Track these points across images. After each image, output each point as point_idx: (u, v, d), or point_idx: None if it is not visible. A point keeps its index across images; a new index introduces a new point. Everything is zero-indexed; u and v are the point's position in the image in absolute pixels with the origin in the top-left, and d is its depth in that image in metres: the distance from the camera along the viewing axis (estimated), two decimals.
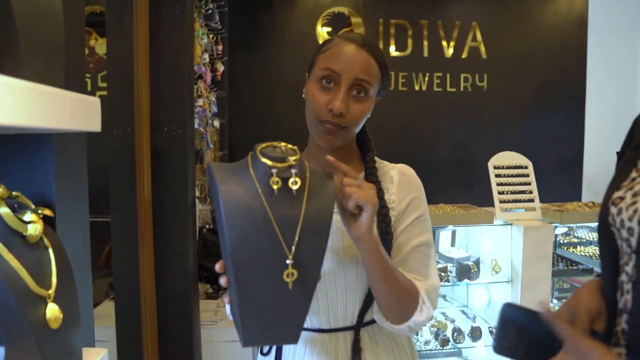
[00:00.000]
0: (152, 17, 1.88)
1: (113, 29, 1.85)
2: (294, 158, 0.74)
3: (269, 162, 0.74)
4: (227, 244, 0.72)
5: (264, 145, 0.78)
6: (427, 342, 2.14)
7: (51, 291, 0.76)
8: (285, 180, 0.73)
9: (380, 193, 0.92)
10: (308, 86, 0.95)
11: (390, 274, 0.85)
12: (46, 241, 0.80)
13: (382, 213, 0.93)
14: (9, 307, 0.70)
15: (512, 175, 2.14)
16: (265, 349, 1.07)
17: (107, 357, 0.89)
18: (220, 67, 2.84)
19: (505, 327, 0.76)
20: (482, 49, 3.91)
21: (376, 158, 1.00)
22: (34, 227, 0.76)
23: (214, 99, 2.67)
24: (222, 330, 2.13)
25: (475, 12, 3.90)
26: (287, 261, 0.70)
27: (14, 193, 0.79)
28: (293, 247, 0.71)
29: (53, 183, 0.92)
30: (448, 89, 3.87)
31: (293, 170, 0.74)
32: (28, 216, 0.76)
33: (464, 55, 3.90)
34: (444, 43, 3.87)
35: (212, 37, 2.69)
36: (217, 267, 0.78)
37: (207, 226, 2.57)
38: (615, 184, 0.77)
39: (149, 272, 1.90)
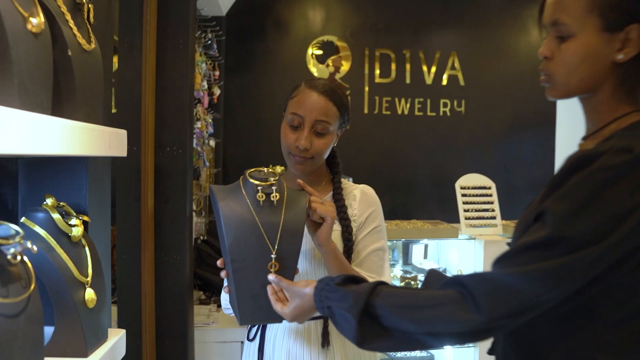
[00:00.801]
0: (159, 49, 2.12)
1: (124, 59, 2.10)
2: (274, 179, 1.00)
3: (256, 182, 0.99)
4: (226, 245, 0.96)
5: (251, 170, 1.04)
6: None
7: (88, 279, 1.00)
8: (268, 195, 0.99)
9: (344, 208, 1.17)
10: (282, 125, 1.21)
11: (345, 272, 1.09)
12: (83, 241, 1.04)
13: (346, 224, 1.17)
14: (61, 289, 0.94)
15: (476, 195, 2.40)
16: (252, 335, 1.29)
17: (124, 337, 1.13)
18: (217, 91, 3.09)
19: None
20: (461, 76, 4.20)
21: (343, 179, 1.25)
22: (77, 230, 1.01)
23: (210, 120, 2.92)
24: (214, 332, 2.34)
25: (454, 43, 4.20)
26: (272, 255, 0.94)
27: (60, 203, 1.04)
28: (276, 245, 0.95)
29: (87, 196, 1.16)
30: (428, 113, 4.15)
31: (273, 187, 0.99)
32: (73, 221, 1.01)
33: (444, 83, 4.19)
34: (425, 71, 4.16)
35: (210, 64, 2.95)
36: (219, 263, 1.02)
37: (201, 237, 2.79)
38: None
39: (150, 277, 2.11)
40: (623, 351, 0.75)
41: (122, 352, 1.13)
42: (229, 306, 1.27)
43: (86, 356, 0.97)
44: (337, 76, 4.03)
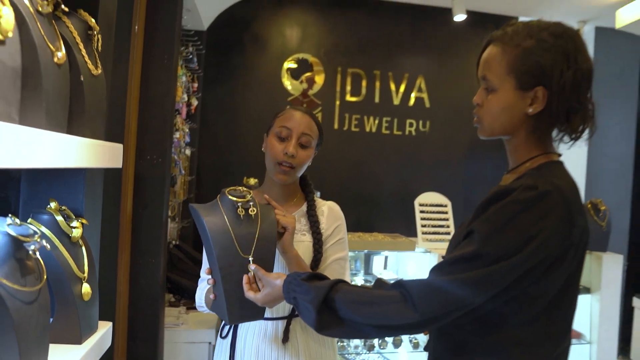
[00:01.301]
0: (144, 63, 2.25)
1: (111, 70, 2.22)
2: (250, 196, 1.17)
3: (235, 199, 1.16)
4: (214, 255, 1.12)
5: (228, 189, 1.21)
6: (356, 347, 2.54)
7: (85, 275, 1.14)
8: (246, 210, 1.15)
9: (317, 223, 1.34)
10: (267, 140, 1.36)
11: None
12: (81, 241, 1.18)
13: (317, 237, 1.34)
14: (63, 283, 1.07)
15: (433, 212, 2.61)
16: (224, 333, 1.44)
17: (111, 330, 1.26)
18: (195, 102, 3.22)
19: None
20: (426, 98, 4.45)
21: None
22: (77, 231, 1.15)
23: (187, 130, 3.04)
24: (183, 333, 2.45)
25: (422, 67, 4.45)
26: (250, 258, 1.10)
27: (62, 207, 1.17)
28: (252, 251, 1.12)
29: (83, 201, 1.30)
30: (395, 132, 4.38)
31: (251, 203, 1.16)
32: (74, 223, 1.14)
33: (410, 103, 4.42)
34: (394, 91, 4.39)
35: (189, 76, 3.08)
36: (205, 272, 1.17)
37: (173, 242, 2.90)
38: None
39: (125, 278, 2.22)
40: (531, 346, 0.94)
41: (109, 342, 1.26)
42: (204, 304, 1.41)
43: (80, 343, 1.10)
44: (310, 92, 4.21)
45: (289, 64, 4.17)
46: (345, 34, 4.30)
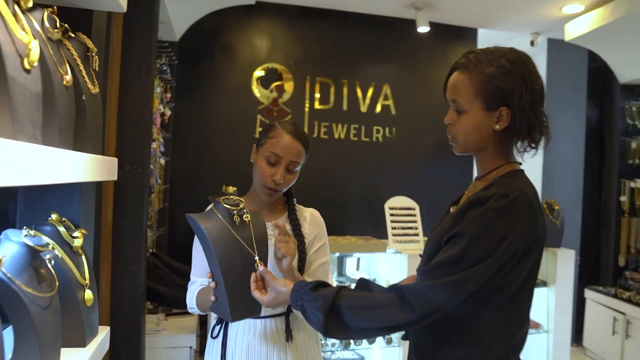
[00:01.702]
0: (122, 76, 2.31)
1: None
2: (242, 205, 1.27)
3: (231, 207, 1.26)
4: (216, 259, 1.21)
5: (222, 197, 1.30)
6: (333, 344, 2.65)
7: (87, 282, 1.21)
8: (241, 217, 1.25)
9: (298, 227, 1.45)
10: (258, 158, 1.45)
11: None
12: (80, 250, 1.25)
13: (300, 240, 1.45)
14: (68, 290, 1.15)
15: (403, 215, 2.76)
16: (215, 333, 1.52)
17: (109, 333, 1.33)
18: (168, 112, 3.27)
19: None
20: (392, 106, 4.61)
21: (296, 204, 1.53)
22: (78, 241, 1.22)
23: (161, 140, 3.09)
24: (164, 338, 2.50)
25: (388, 76, 4.62)
26: (256, 257, 1.21)
27: (62, 218, 1.25)
28: (255, 251, 1.22)
29: (79, 212, 1.36)
30: (362, 138, 4.53)
31: (244, 210, 1.26)
32: (76, 233, 1.21)
33: (377, 111, 4.58)
34: (361, 99, 4.54)
35: (162, 86, 3.13)
36: (207, 275, 1.25)
37: (150, 250, 2.94)
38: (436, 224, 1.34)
39: (106, 286, 2.26)
40: (501, 329, 1.09)
41: (107, 345, 1.33)
42: (195, 306, 1.49)
43: (85, 346, 1.17)
44: (280, 101, 4.31)
45: (259, 72, 4.27)
46: (314, 44, 4.42)
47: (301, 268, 1.44)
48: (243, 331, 1.45)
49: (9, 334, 0.93)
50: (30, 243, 0.94)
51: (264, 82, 4.28)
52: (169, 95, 3.23)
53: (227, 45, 4.19)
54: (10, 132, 0.71)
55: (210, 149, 4.08)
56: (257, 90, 4.25)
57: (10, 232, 0.95)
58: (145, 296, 2.48)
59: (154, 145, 2.71)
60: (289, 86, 4.33)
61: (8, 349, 0.89)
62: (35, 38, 0.80)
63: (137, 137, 2.33)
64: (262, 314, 1.45)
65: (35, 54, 0.79)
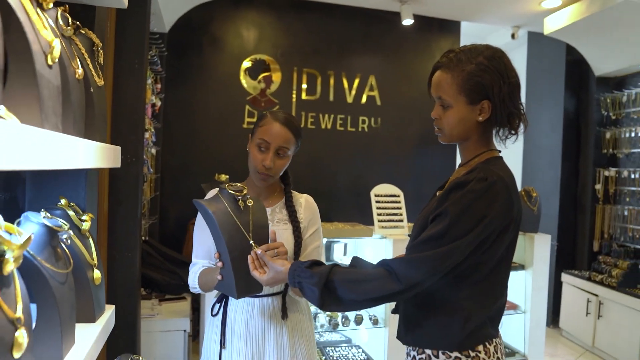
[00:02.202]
0: (116, 68, 2.36)
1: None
2: (245, 191, 1.36)
3: (235, 193, 1.35)
4: (223, 241, 1.30)
5: (227, 184, 1.39)
6: (322, 325, 2.77)
7: (95, 262, 1.30)
8: (244, 202, 1.35)
9: (294, 213, 1.54)
10: (251, 146, 1.54)
11: None
12: (88, 233, 1.33)
13: (296, 225, 1.53)
14: (80, 270, 1.23)
15: (388, 202, 2.87)
16: (215, 311, 1.61)
17: (114, 311, 1.42)
18: (158, 103, 3.32)
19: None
20: (378, 96, 4.72)
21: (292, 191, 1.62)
22: (86, 224, 1.31)
23: (153, 130, 3.15)
24: (159, 322, 2.59)
25: (373, 67, 4.72)
26: (250, 242, 1.30)
27: (71, 203, 1.33)
28: (251, 234, 1.32)
29: (85, 197, 1.44)
30: (349, 128, 4.63)
31: (248, 196, 1.36)
32: (84, 217, 1.30)
33: (363, 101, 4.69)
34: (347, 90, 4.64)
35: (153, 77, 3.18)
36: (215, 255, 1.34)
37: (143, 238, 3.02)
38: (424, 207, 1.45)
39: (103, 272, 2.33)
40: (480, 300, 1.21)
41: (113, 322, 1.42)
42: (197, 286, 1.58)
43: (94, 321, 1.26)
44: (268, 92, 4.39)
45: (247, 63, 4.33)
46: (300, 35, 4.49)
47: (297, 252, 1.52)
48: (242, 309, 1.54)
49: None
50: (49, 224, 1.02)
51: (252, 73, 4.34)
52: (159, 86, 3.28)
53: (216, 37, 4.24)
54: (39, 121, 0.79)
55: (199, 138, 4.15)
56: (245, 81, 4.32)
57: (30, 214, 1.03)
58: (140, 282, 2.56)
59: (146, 135, 2.78)
60: (276, 77, 4.40)
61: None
62: (56, 37, 0.88)
63: (132, 127, 2.39)
64: (262, 293, 1.55)
65: (57, 51, 0.87)
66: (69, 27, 1.07)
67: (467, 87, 1.20)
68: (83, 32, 1.21)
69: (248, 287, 1.34)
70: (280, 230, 1.53)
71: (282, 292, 1.55)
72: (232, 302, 1.56)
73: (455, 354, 1.19)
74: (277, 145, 1.49)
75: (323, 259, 1.59)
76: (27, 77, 0.78)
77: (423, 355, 1.23)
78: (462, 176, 1.21)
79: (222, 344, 1.54)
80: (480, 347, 1.20)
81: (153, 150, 3.21)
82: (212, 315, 1.59)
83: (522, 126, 1.28)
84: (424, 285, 1.15)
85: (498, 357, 1.23)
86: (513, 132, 1.27)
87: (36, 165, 0.71)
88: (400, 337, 1.31)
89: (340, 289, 1.17)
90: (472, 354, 1.19)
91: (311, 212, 1.60)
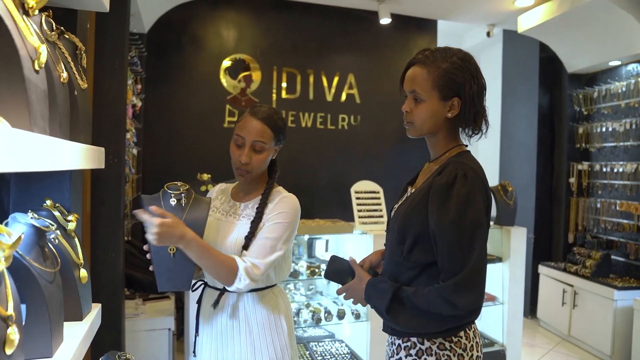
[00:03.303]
0: (96, 69, 2.37)
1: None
2: (182, 189, 1.45)
3: (170, 192, 1.42)
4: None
5: (167, 184, 1.47)
6: (305, 321, 2.82)
7: (81, 261, 1.32)
8: (178, 200, 1.42)
9: (262, 205, 1.50)
10: (230, 143, 1.57)
11: (204, 259, 1.38)
12: (73, 233, 1.36)
13: (258, 216, 1.49)
14: (67, 269, 1.26)
15: (368, 198, 2.93)
16: (197, 299, 1.63)
17: (101, 310, 1.45)
18: (139, 103, 3.32)
19: (331, 265, 1.45)
20: (357, 94, 4.79)
21: (280, 188, 1.60)
22: (72, 224, 1.33)
23: (134, 130, 3.15)
24: (143, 322, 2.61)
25: (352, 66, 4.78)
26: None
27: (56, 204, 1.35)
28: None
29: (69, 198, 1.46)
30: (329, 126, 4.68)
31: (183, 195, 1.44)
32: (70, 217, 1.32)
33: (342, 99, 4.74)
34: (326, 88, 4.69)
35: (133, 78, 3.18)
36: (145, 247, 1.39)
37: (125, 238, 3.02)
38: (396, 200, 1.50)
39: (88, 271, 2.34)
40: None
41: (99, 321, 1.45)
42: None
43: (82, 319, 1.29)
44: (248, 91, 4.41)
45: (227, 63, 4.34)
46: (280, 34, 4.52)
47: (247, 243, 1.48)
48: (207, 300, 1.59)
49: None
50: (36, 224, 1.05)
51: (232, 72, 4.36)
52: (139, 86, 3.28)
53: (195, 37, 4.25)
54: (28, 125, 0.82)
55: (180, 138, 4.15)
56: (225, 81, 4.33)
57: (17, 215, 1.06)
58: (124, 282, 2.57)
59: (127, 135, 2.78)
60: (256, 76, 4.42)
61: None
62: (42, 42, 0.91)
63: (113, 128, 2.40)
64: (220, 287, 1.53)
65: (44, 57, 0.90)
66: (53, 32, 1.10)
67: (441, 83, 1.26)
68: (67, 36, 1.23)
69: (170, 282, 1.42)
70: (240, 224, 1.52)
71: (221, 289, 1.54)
72: (205, 292, 1.60)
73: (440, 339, 1.25)
74: (252, 140, 1.49)
75: (275, 253, 1.48)
76: (15, 83, 0.80)
77: (408, 343, 1.29)
78: (440, 177, 1.25)
79: (197, 331, 1.60)
80: (462, 333, 1.27)
81: (134, 151, 3.21)
82: (197, 302, 1.63)
83: (484, 126, 1.34)
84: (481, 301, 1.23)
85: (477, 342, 1.30)
86: (477, 130, 1.34)
87: (27, 167, 0.74)
88: (386, 329, 1.37)
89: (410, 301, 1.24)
90: (455, 339, 1.26)
91: (280, 208, 1.51)
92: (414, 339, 1.27)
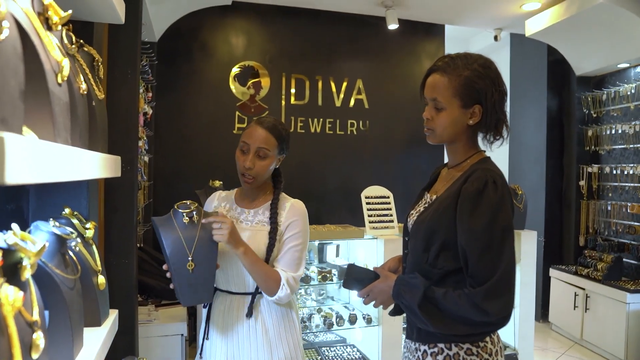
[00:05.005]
0: (109, 79, 2.41)
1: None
2: (193, 207, 1.48)
3: (181, 211, 1.45)
4: (168, 255, 1.40)
5: (178, 203, 1.52)
6: (317, 326, 2.83)
7: (99, 268, 1.35)
8: (190, 218, 1.45)
9: (275, 214, 1.56)
10: (236, 150, 1.60)
11: (256, 268, 1.48)
12: (91, 241, 1.39)
13: (274, 226, 1.55)
14: (86, 276, 1.28)
15: (378, 203, 2.94)
16: (206, 303, 1.66)
17: (118, 316, 1.47)
18: (150, 111, 3.37)
19: (350, 274, 1.45)
20: (365, 100, 4.81)
21: (283, 194, 1.66)
22: (90, 232, 1.36)
23: (145, 138, 3.19)
24: (156, 327, 2.63)
25: (360, 71, 4.80)
26: (189, 258, 1.39)
27: (75, 212, 1.38)
28: (193, 250, 1.41)
29: (87, 206, 1.49)
30: (337, 132, 4.71)
31: (194, 212, 1.47)
32: (88, 225, 1.35)
33: (351, 105, 4.77)
34: (335, 94, 4.72)
35: (144, 86, 3.23)
36: (165, 267, 1.43)
37: (138, 245, 3.05)
38: (412, 206, 1.51)
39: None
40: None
41: (117, 326, 1.48)
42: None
43: (100, 325, 1.32)
44: (257, 97, 4.45)
45: (236, 70, 4.38)
46: (288, 41, 4.56)
47: (269, 253, 1.55)
48: (220, 304, 1.62)
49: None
50: (58, 232, 1.08)
51: (241, 79, 4.40)
52: (150, 94, 3.33)
53: (205, 44, 4.30)
54: (52, 136, 0.85)
55: (190, 145, 4.19)
56: (234, 87, 4.37)
57: (40, 223, 1.09)
58: (137, 288, 2.60)
59: (140, 143, 2.82)
60: (265, 83, 4.46)
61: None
62: (64, 56, 0.94)
63: (126, 136, 2.44)
64: (236, 290, 1.59)
65: (66, 70, 0.93)
66: (73, 46, 1.13)
67: (462, 91, 1.27)
68: (85, 49, 1.27)
69: (193, 297, 1.46)
70: (255, 230, 1.58)
71: (252, 293, 1.57)
72: (216, 296, 1.62)
73: (467, 345, 1.26)
74: (256, 146, 1.55)
75: (299, 264, 1.58)
76: (41, 96, 0.83)
77: (435, 349, 1.28)
78: (469, 184, 1.25)
79: (205, 336, 1.63)
80: (488, 338, 1.27)
81: (146, 158, 3.25)
82: (203, 307, 1.66)
83: (505, 132, 1.35)
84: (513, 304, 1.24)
85: (500, 346, 1.32)
86: (498, 136, 1.34)
87: (51, 178, 0.77)
88: (411, 335, 1.36)
89: (440, 302, 1.24)
90: (482, 344, 1.26)
91: (292, 215, 1.59)
92: (441, 345, 1.26)
